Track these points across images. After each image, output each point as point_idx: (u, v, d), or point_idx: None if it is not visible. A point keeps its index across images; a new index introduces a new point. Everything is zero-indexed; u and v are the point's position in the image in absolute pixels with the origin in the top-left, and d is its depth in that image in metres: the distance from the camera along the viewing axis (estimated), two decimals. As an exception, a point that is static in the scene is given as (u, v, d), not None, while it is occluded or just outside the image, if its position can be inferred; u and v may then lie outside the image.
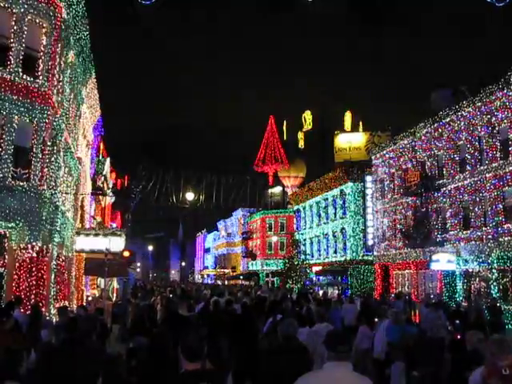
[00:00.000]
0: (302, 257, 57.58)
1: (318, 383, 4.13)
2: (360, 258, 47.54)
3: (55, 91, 19.31)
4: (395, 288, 38.91)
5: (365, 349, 11.06)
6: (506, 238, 27.97)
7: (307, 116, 76.87)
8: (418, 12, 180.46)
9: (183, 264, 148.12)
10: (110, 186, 46.68)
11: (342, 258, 49.90)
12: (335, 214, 52.86)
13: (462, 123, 32.04)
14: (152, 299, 23.88)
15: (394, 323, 10.52)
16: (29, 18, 18.14)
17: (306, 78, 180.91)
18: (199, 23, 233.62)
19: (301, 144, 75.73)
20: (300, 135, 75.50)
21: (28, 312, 13.69)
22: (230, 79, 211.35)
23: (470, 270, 31.43)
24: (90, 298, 30.11)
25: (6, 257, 17.75)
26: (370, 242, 44.62)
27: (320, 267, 54.01)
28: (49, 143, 18.63)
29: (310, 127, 76.40)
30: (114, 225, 49.88)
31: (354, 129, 62.27)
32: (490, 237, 29.25)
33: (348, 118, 64.94)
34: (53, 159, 19.50)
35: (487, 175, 29.62)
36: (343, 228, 50.53)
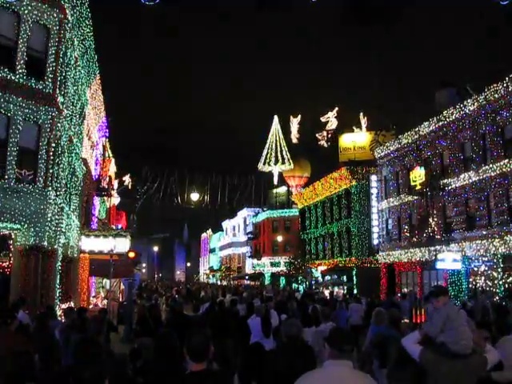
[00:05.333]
0: (307, 257, 57.61)
1: (320, 382, 4.11)
2: (365, 257, 47.51)
3: (59, 92, 19.35)
4: (400, 287, 38.85)
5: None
6: (512, 237, 27.89)
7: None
8: (421, 12, 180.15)
9: (188, 264, 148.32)
10: (115, 186, 46.79)
11: (348, 258, 49.87)
12: (340, 213, 52.83)
13: (467, 122, 31.94)
14: (155, 299, 23.93)
15: (374, 323, 10.27)
16: (33, 19, 18.17)
17: (307, 78, 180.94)
18: (200, 24, 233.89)
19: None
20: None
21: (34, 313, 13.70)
22: (230, 79, 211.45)
23: (476, 269, 31.34)
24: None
25: (12, 258, 17.82)
26: (375, 242, 44.53)
27: (325, 267, 53.98)
28: (53, 144, 18.66)
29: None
30: (119, 226, 49.99)
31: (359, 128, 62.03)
32: (495, 235, 29.16)
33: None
34: (57, 160, 19.56)
35: (492, 174, 29.52)
36: (348, 228, 50.50)
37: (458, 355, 5.09)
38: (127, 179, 46.73)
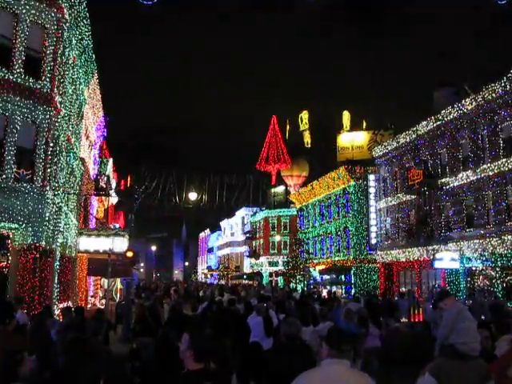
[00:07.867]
0: (306, 256, 57.55)
1: (317, 381, 4.09)
2: (363, 256, 47.51)
3: (57, 92, 19.31)
4: (398, 287, 38.86)
5: (371, 347, 10.95)
6: (509, 236, 27.90)
7: (304, 116, 76.63)
8: (421, 12, 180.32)
9: (186, 264, 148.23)
10: (113, 186, 46.71)
11: (346, 257, 49.86)
12: (338, 212, 52.83)
13: (465, 121, 31.98)
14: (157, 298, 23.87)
15: (343, 319, 10.36)
16: (31, 19, 18.14)
17: (306, 78, 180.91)
18: (200, 24, 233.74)
19: (307, 142, 75.16)
20: (306, 134, 75.02)
21: (32, 313, 13.68)
22: (230, 79, 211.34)
23: (474, 269, 31.37)
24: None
25: (10, 258, 17.78)
26: (374, 241, 44.56)
27: (323, 266, 53.98)
28: (51, 144, 18.63)
29: (306, 127, 76.17)
30: (117, 225, 49.89)
31: (357, 128, 62.13)
32: (493, 235, 29.18)
33: (346, 117, 65.13)
34: (55, 160, 19.51)
35: (490, 173, 29.55)
36: (346, 227, 50.50)
37: (466, 356, 5.07)
38: (128, 180, 46.67)
